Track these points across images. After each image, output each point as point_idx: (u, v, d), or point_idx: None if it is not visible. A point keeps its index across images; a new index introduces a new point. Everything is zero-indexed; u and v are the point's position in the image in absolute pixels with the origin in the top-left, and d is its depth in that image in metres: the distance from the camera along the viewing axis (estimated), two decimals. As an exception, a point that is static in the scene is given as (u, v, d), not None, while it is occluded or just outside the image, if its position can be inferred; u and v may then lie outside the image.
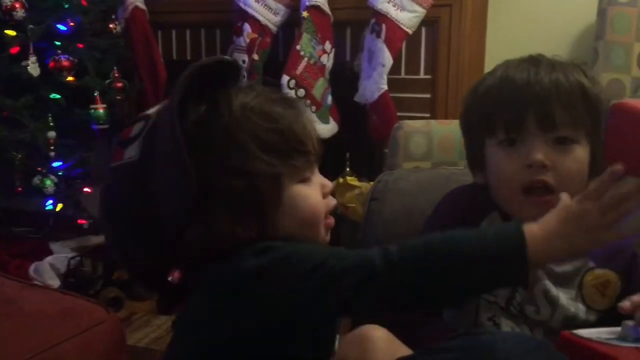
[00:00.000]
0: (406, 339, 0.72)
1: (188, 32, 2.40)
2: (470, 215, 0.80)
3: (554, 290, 0.76)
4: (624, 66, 1.71)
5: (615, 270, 0.77)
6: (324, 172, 2.40)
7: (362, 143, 2.14)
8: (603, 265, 0.77)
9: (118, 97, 2.11)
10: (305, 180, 0.67)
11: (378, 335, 0.69)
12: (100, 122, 2.00)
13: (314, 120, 2.09)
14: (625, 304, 0.57)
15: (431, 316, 0.78)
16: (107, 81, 2.10)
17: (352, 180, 1.89)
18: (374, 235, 1.01)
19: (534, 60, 0.77)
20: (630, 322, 0.57)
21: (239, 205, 0.64)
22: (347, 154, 2.09)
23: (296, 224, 0.66)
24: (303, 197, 0.66)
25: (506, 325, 0.76)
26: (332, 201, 0.70)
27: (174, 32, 2.41)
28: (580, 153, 0.75)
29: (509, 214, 0.79)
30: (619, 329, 0.58)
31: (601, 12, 1.74)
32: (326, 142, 2.34)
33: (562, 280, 0.77)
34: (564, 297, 0.76)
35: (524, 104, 0.74)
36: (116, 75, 2.11)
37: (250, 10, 2.12)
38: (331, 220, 0.70)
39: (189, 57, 2.41)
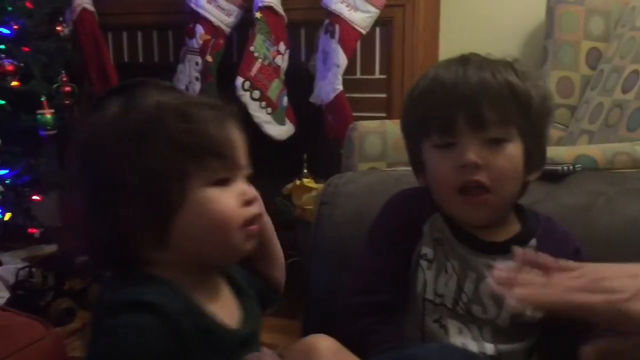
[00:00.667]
0: (356, 348, 0.71)
1: (139, 34, 2.34)
2: (412, 218, 0.79)
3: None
4: (573, 64, 1.74)
5: None
6: (282, 174, 2.37)
7: (319, 144, 2.13)
8: None
9: (66, 102, 2.05)
10: (220, 184, 0.66)
11: (325, 345, 0.68)
12: (48, 127, 1.94)
13: (270, 121, 2.07)
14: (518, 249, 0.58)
15: (381, 324, 0.77)
16: (55, 85, 2.03)
17: (308, 182, 1.88)
18: (325, 241, 0.99)
19: (463, 60, 0.77)
20: None
21: (141, 203, 0.63)
22: (305, 156, 2.08)
23: (202, 228, 0.65)
24: (213, 201, 0.64)
25: (453, 327, 0.76)
26: (252, 209, 0.68)
27: (124, 34, 2.36)
28: (513, 150, 0.75)
29: (450, 215, 0.79)
30: None
31: (549, 11, 1.76)
32: (283, 144, 2.33)
33: None
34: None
35: (454, 106, 0.74)
36: (64, 79, 2.05)
37: (202, 12, 2.08)
38: (253, 228, 0.68)
39: (141, 60, 2.35)
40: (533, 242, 0.79)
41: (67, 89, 2.06)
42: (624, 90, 1.52)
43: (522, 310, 0.74)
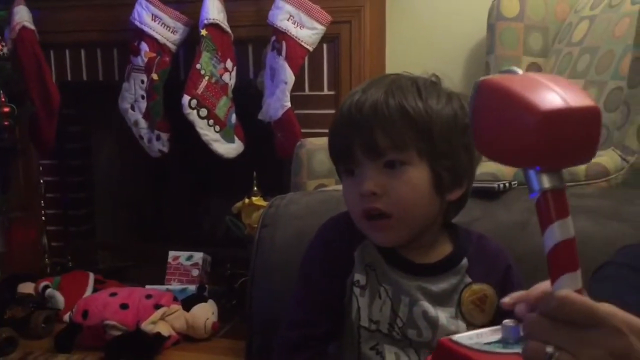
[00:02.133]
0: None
1: (83, 51, 2.29)
2: (343, 245, 0.79)
3: (433, 311, 0.76)
4: (514, 79, 1.78)
5: (491, 283, 0.78)
6: (232, 192, 2.34)
7: (269, 161, 2.12)
8: (480, 280, 0.77)
9: (5, 123, 1.98)
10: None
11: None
12: (-14, 150, 1.87)
13: (218, 139, 2.05)
14: (506, 299, 0.56)
15: (320, 356, 0.76)
16: (-7, 106, 1.97)
17: (257, 200, 1.86)
18: (267, 264, 0.98)
19: (371, 84, 0.76)
20: (510, 322, 0.55)
21: None
22: (254, 173, 2.06)
23: None
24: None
25: (390, 352, 0.75)
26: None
27: (67, 52, 2.30)
28: (414, 174, 0.74)
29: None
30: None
31: (490, 28, 1.80)
32: (232, 162, 2.30)
33: (440, 299, 0.77)
34: (443, 316, 0.76)
35: (350, 134, 0.75)
36: (2, 99, 1.98)
37: (146, 29, 2.05)
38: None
39: (85, 78, 2.30)
40: (464, 262, 0.79)
41: (6, 109, 1.99)
42: (563, 104, 1.56)
43: (456, 331, 0.75)
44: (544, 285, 0.51)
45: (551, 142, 0.45)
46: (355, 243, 0.78)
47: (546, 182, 0.46)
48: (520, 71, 0.49)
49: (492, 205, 0.94)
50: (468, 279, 0.77)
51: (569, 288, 0.47)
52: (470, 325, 0.75)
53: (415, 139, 0.73)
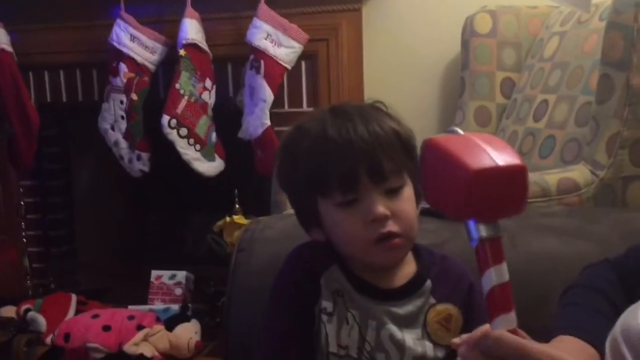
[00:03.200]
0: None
1: (62, 72, 2.29)
2: (310, 273, 0.79)
3: (399, 334, 0.77)
4: (489, 94, 1.81)
5: (455, 303, 0.79)
6: (214, 211, 2.35)
7: (251, 179, 2.12)
8: (444, 300, 0.79)
9: (-17, 146, 1.98)
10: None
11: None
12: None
13: (199, 158, 2.05)
14: (455, 340, 0.59)
15: None
16: (-29, 129, 1.96)
17: (238, 219, 1.87)
18: (242, 289, 0.98)
19: (344, 114, 0.77)
20: None
21: None
22: (236, 191, 2.07)
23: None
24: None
25: (360, 377, 0.76)
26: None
27: (46, 74, 2.30)
28: (409, 193, 0.78)
29: (350, 267, 0.80)
30: None
31: (465, 44, 1.83)
32: (214, 180, 2.31)
33: (406, 322, 0.78)
34: (409, 338, 0.77)
35: (353, 162, 0.75)
36: (-20, 122, 1.98)
37: (125, 50, 2.06)
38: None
39: (64, 99, 2.30)
40: (428, 283, 0.80)
41: (-16, 132, 1.98)
42: (535, 119, 1.59)
43: (423, 352, 0.76)
44: (485, 327, 0.54)
45: (482, 196, 0.50)
46: (321, 271, 0.79)
47: (483, 231, 0.52)
48: (461, 132, 0.56)
49: (462, 227, 0.95)
50: (432, 300, 0.79)
51: (503, 328, 0.52)
52: (437, 346, 0.77)
53: (407, 161, 0.77)
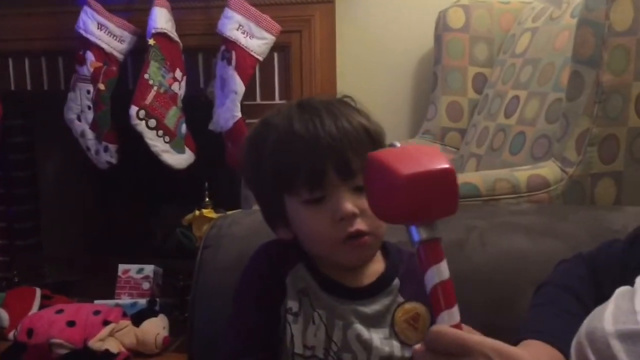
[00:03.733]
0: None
1: (27, 60, 2.22)
2: (275, 272, 0.78)
3: (367, 333, 0.76)
4: (461, 89, 1.81)
5: (423, 302, 0.78)
6: (184, 204, 2.31)
7: (221, 172, 2.09)
8: (412, 299, 0.78)
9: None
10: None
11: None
12: None
13: (168, 150, 2.01)
14: (417, 346, 0.59)
15: None
16: None
17: (208, 212, 1.84)
18: (207, 286, 0.96)
19: (312, 109, 0.75)
20: None
21: None
22: (206, 184, 2.04)
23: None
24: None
25: (327, 379, 0.75)
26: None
27: (10, 61, 2.23)
28: None
29: (316, 266, 0.78)
30: None
31: (437, 38, 1.82)
32: (183, 173, 2.27)
33: (374, 321, 0.77)
34: (377, 337, 0.76)
35: (321, 158, 0.73)
36: (-60, 111, 1.91)
37: (92, 38, 2.00)
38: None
39: (29, 88, 2.23)
40: (396, 281, 0.79)
41: (-56, 122, 1.92)
42: (507, 115, 1.59)
43: (391, 352, 0.75)
44: (437, 326, 0.56)
45: (416, 200, 0.54)
46: (287, 270, 0.78)
47: (422, 234, 0.55)
48: (399, 145, 0.62)
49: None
50: (400, 299, 0.78)
51: (447, 323, 0.56)
52: (404, 345, 0.76)
53: None
